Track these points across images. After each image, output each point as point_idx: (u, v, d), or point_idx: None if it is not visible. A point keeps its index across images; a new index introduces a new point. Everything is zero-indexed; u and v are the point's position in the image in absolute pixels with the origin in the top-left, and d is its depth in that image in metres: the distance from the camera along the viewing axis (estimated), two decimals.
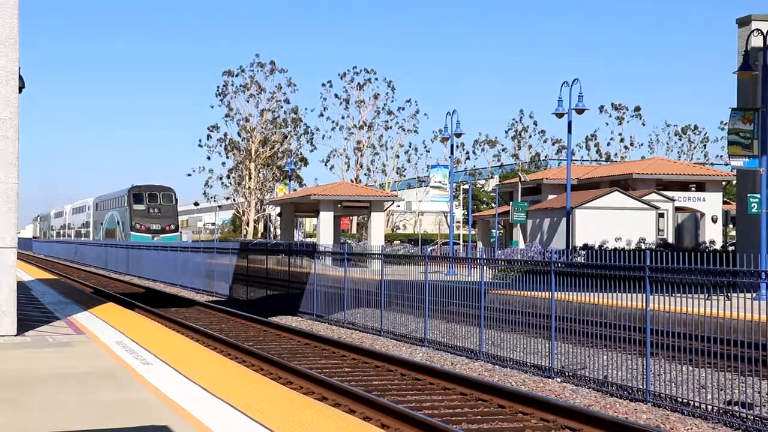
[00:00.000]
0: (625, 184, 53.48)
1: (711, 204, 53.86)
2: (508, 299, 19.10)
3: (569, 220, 38.68)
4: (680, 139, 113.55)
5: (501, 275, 21.17)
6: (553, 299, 17.14)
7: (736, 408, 13.13)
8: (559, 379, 16.50)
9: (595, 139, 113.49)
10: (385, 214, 70.70)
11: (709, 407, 13.37)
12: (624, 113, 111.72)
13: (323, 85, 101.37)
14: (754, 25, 30.08)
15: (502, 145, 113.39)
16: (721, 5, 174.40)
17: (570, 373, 16.44)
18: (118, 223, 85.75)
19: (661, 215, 47.44)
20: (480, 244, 65.00)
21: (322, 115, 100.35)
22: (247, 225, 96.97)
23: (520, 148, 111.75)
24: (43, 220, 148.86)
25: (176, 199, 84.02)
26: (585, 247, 37.86)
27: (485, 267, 20.13)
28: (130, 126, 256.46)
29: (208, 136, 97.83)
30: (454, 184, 61.58)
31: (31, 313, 18.68)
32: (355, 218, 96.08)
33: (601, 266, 15.96)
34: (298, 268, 30.92)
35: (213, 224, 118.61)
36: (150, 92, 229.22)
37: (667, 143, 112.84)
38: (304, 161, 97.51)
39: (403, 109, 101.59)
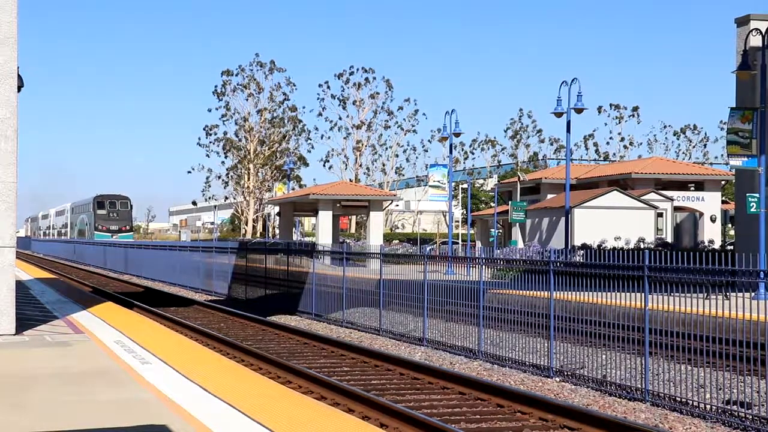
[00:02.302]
0: (623, 183, 53.48)
1: (710, 203, 53.86)
2: (507, 299, 19.10)
3: (568, 220, 38.69)
4: (678, 139, 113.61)
5: (500, 275, 21.17)
6: (552, 299, 17.14)
7: (734, 407, 13.13)
8: (557, 379, 16.50)
9: (594, 139, 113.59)
10: (384, 213, 70.70)
11: (708, 407, 13.37)
12: (622, 113, 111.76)
13: (320, 85, 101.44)
14: (753, 24, 30.10)
15: (501, 144, 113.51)
16: (720, 5, 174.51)
17: (569, 373, 16.44)
18: (86, 224, 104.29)
19: (659, 215, 47.45)
20: (479, 244, 64.99)
21: (320, 114, 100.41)
22: (246, 224, 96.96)
23: (519, 147, 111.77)
24: (33, 221, 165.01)
25: (131, 206, 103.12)
26: (584, 246, 37.86)
27: (484, 266, 20.13)
28: (130, 125, 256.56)
29: (207, 135, 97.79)
30: (453, 184, 61.57)
31: (30, 312, 18.67)
32: (354, 217, 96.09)
33: (599, 266, 15.96)
34: (296, 267, 30.92)
35: (212, 223, 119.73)
36: (149, 91, 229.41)
37: (666, 143, 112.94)
38: (303, 160, 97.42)
39: (402, 108, 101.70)
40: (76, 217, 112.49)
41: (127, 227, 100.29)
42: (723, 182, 58.20)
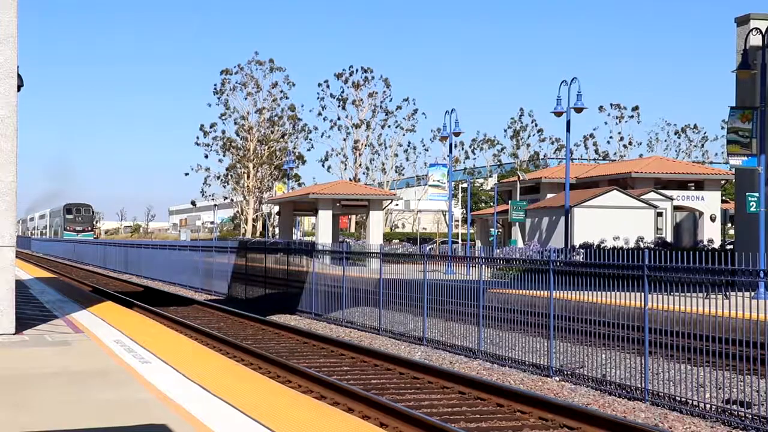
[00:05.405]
0: (623, 182, 53.46)
1: (709, 203, 53.83)
2: (507, 298, 19.10)
3: (568, 219, 38.68)
4: (679, 138, 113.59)
5: (500, 274, 21.16)
6: (551, 298, 17.14)
7: (734, 407, 13.13)
8: (557, 378, 16.50)
9: (594, 138, 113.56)
10: (384, 212, 70.68)
11: (708, 406, 13.37)
12: (623, 112, 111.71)
13: (319, 85, 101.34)
14: (753, 24, 30.10)
15: (501, 144, 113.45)
16: (720, 4, 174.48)
17: (568, 372, 16.44)
18: (59, 226, 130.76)
19: (659, 214, 47.43)
20: (479, 243, 64.99)
21: (320, 114, 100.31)
22: (246, 224, 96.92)
23: (519, 147, 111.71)
24: (23, 223, 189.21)
25: (93, 211, 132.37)
26: (583, 245, 37.86)
27: (484, 266, 20.13)
28: (129, 125, 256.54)
29: (206, 134, 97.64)
30: (453, 183, 61.57)
31: (30, 311, 18.67)
32: (353, 217, 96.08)
33: (599, 265, 15.96)
34: (296, 266, 30.91)
35: (212, 223, 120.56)
36: (149, 91, 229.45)
37: (666, 142, 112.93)
38: (302, 159, 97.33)
39: (401, 108, 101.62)
40: (52, 220, 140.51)
41: (89, 228, 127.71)
42: (723, 181, 58.19)
